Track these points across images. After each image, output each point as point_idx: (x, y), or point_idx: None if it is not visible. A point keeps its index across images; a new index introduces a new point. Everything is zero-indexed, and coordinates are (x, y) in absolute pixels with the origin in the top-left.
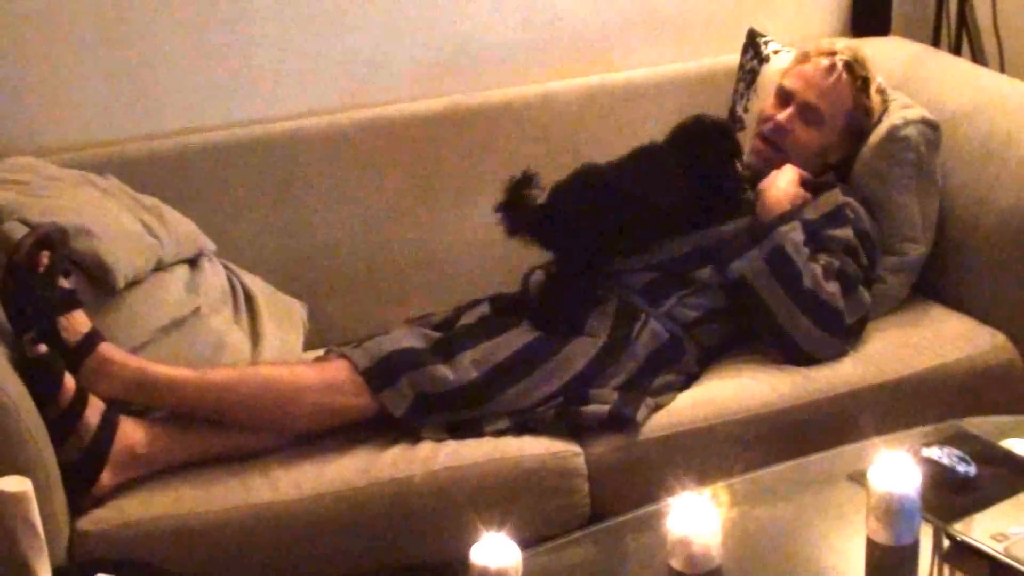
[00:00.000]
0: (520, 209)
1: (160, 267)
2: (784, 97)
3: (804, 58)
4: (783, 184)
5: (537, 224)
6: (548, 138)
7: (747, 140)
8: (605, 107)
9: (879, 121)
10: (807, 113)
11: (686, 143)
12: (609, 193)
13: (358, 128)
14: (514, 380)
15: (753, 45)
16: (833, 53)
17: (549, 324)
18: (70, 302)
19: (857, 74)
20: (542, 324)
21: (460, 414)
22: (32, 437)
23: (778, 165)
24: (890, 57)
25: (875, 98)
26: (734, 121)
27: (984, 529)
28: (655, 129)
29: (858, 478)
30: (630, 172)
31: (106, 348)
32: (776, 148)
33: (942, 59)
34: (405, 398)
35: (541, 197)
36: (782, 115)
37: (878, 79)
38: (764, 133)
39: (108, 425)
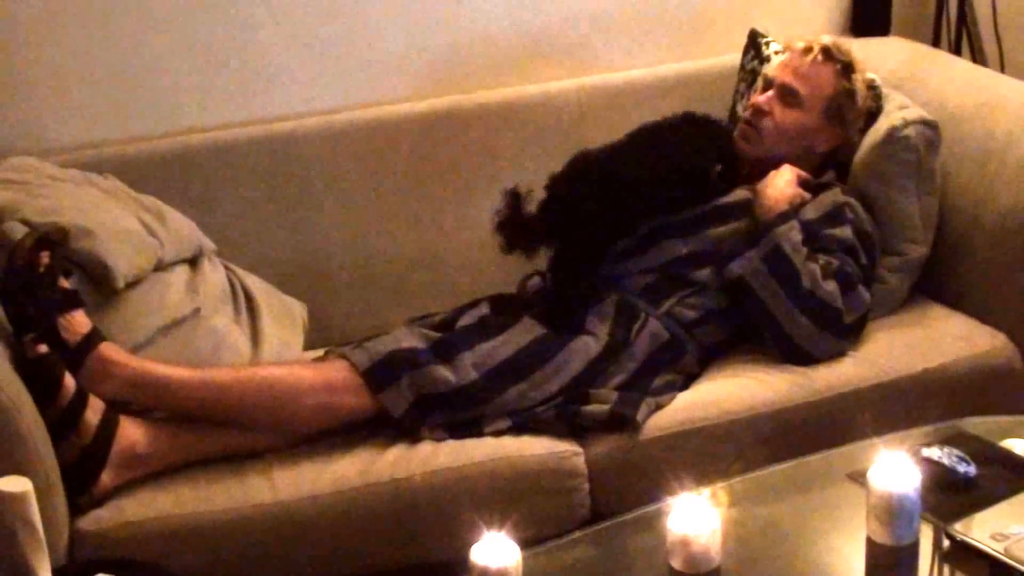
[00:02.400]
0: (517, 223)
1: (160, 267)
2: (766, 84)
3: (785, 50)
4: (781, 184)
5: (539, 224)
6: (548, 138)
7: None
8: (605, 107)
9: (874, 119)
10: (786, 95)
11: (686, 123)
12: (605, 175)
13: (358, 128)
14: (514, 381)
15: (754, 46)
16: (812, 41)
17: (554, 321)
18: (70, 302)
19: (836, 58)
20: (548, 320)
21: (460, 414)
22: (32, 437)
23: (767, 156)
24: (890, 57)
25: (860, 85)
26: (734, 121)
27: (984, 529)
28: None
29: (858, 478)
30: (624, 152)
31: (106, 348)
32: (756, 130)
33: (942, 59)
34: (405, 398)
35: (533, 207)
36: (762, 97)
37: (872, 75)
38: (745, 117)
39: (108, 425)
